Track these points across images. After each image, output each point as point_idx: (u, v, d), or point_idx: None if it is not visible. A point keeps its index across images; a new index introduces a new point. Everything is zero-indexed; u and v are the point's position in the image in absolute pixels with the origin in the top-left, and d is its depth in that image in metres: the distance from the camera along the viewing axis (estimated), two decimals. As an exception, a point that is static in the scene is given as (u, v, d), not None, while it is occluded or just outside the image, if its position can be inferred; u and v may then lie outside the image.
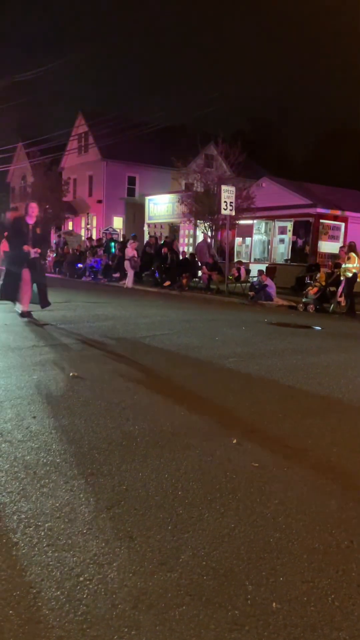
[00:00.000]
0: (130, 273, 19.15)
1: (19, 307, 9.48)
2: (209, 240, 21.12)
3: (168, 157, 28.10)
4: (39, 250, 9.33)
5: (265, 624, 2.01)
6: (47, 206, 36.33)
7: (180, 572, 2.31)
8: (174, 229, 26.71)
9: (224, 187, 17.19)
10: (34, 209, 9.62)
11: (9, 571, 2.25)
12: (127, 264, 19.28)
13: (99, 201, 37.33)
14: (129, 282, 19.12)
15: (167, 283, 18.86)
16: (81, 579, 2.23)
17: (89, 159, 38.09)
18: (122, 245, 22.14)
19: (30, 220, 9.46)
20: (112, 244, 26.03)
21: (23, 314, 9.32)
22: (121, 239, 29.53)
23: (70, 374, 5.50)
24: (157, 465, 3.38)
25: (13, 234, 9.74)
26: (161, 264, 20.05)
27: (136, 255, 19.56)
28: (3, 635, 1.90)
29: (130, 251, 19.26)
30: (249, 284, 17.32)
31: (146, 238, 26.86)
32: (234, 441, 3.85)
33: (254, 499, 3.01)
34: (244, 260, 21.32)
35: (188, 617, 2.04)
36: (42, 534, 2.55)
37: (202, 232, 21.17)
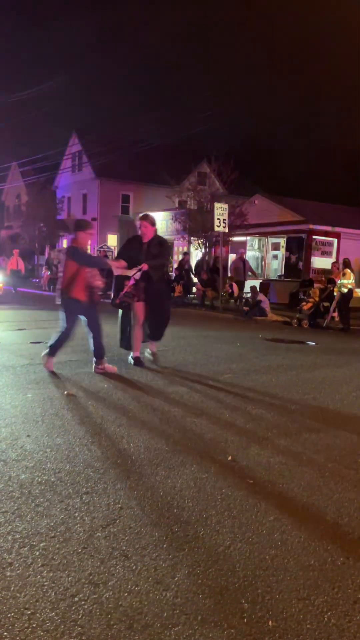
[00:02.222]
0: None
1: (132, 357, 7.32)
2: (204, 256, 21.25)
3: (161, 175, 28.35)
4: (145, 268, 6.88)
5: (262, 643, 2.00)
6: (42, 225, 36.52)
7: (175, 591, 2.30)
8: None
9: (217, 205, 17.30)
10: (146, 226, 7.15)
11: (3, 592, 2.24)
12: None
13: (93, 219, 37.49)
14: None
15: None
16: (76, 599, 2.22)
17: (83, 177, 38.36)
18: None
19: (145, 238, 7.15)
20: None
21: (137, 361, 7.22)
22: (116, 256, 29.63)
23: (65, 392, 5.49)
24: (153, 483, 3.37)
25: (122, 255, 7.29)
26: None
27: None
28: (-3, 658, 1.89)
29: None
30: (243, 300, 17.38)
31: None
32: (229, 458, 3.85)
33: (250, 516, 3.00)
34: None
35: (184, 636, 2.03)
36: (37, 553, 2.53)
37: (239, 252, 20.89)
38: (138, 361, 7.22)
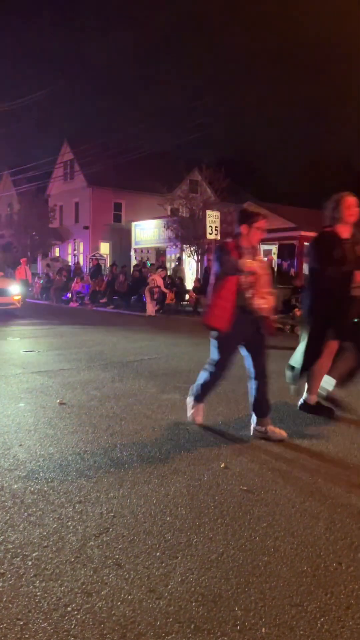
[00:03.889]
0: (151, 302, 18.12)
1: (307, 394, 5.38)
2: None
3: (153, 183, 28.46)
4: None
5: (255, 650, 2.00)
6: (34, 233, 36.49)
7: (168, 599, 2.30)
8: (160, 254, 26.90)
9: (209, 212, 17.42)
10: (352, 210, 4.91)
11: (-4, 603, 2.23)
12: (148, 291, 18.35)
13: (86, 227, 37.54)
14: (150, 310, 18.00)
15: (157, 307, 18.93)
16: (69, 609, 2.21)
17: (75, 185, 38.40)
18: (139, 270, 21.57)
19: (346, 234, 4.99)
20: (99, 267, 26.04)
21: (311, 406, 5.31)
22: (108, 264, 29.63)
23: (57, 401, 5.48)
24: (146, 491, 3.37)
25: (321, 258, 4.95)
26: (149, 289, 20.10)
27: (162, 285, 18.70)
28: (-11, 669, 1.88)
29: (158, 280, 18.53)
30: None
31: (133, 263, 27.00)
32: (222, 465, 3.85)
33: (243, 522, 3.00)
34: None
35: (177, 644, 2.02)
36: (30, 563, 2.52)
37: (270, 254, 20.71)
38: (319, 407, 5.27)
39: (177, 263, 23.33)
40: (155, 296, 18.32)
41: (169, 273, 21.81)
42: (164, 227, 24.75)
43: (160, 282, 18.66)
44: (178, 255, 24.05)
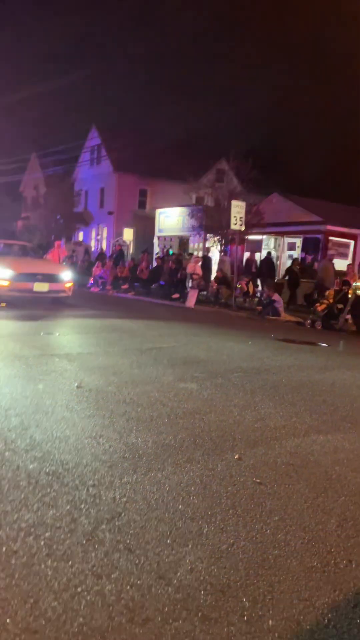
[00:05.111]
0: (192, 292, 17.54)
1: None
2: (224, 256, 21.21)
3: (179, 171, 28.32)
4: None
5: (261, 641, 2.02)
6: (59, 217, 36.68)
7: (177, 586, 2.32)
8: (183, 242, 26.85)
9: (234, 202, 17.25)
10: None
11: (7, 580, 2.27)
12: (189, 281, 18.00)
13: (110, 213, 37.58)
14: (190, 301, 17.30)
15: (176, 295, 18.92)
16: (79, 589, 2.24)
17: (101, 171, 38.44)
18: (177, 259, 21.35)
19: None
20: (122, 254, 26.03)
21: None
22: (131, 251, 29.67)
23: (75, 385, 5.53)
24: (159, 479, 3.39)
25: None
26: (171, 277, 20.10)
27: (200, 273, 18.38)
28: (-1, 644, 1.92)
29: (194, 267, 18.21)
30: (256, 299, 17.34)
31: (156, 250, 27.01)
32: (236, 457, 3.85)
33: (254, 515, 3.01)
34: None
35: (184, 632, 2.04)
36: (42, 543, 2.56)
37: (294, 255, 20.57)
38: None
39: (222, 253, 22.96)
40: (198, 285, 18.06)
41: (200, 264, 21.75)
42: (189, 215, 24.64)
43: (200, 271, 18.47)
44: (210, 245, 23.85)
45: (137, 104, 72.55)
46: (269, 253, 22.08)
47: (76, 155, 40.18)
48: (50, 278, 13.21)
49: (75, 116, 72.60)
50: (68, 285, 13.69)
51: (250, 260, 21.10)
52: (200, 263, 19.08)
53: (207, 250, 22.69)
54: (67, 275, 13.86)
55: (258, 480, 3.47)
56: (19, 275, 12.64)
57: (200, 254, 22.55)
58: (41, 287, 12.80)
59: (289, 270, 19.10)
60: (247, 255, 21.84)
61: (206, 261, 20.67)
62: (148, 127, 36.63)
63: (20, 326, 9.88)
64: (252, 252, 22.29)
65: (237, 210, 16.94)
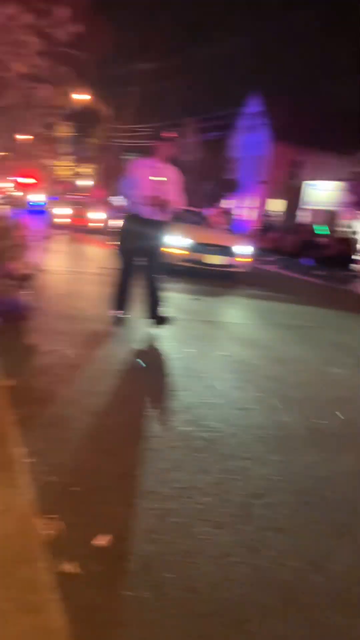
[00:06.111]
0: None
1: None
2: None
3: (335, 143, 27.03)
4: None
5: None
6: (211, 183, 36.92)
7: (328, 576, 2.27)
8: (330, 217, 25.77)
9: None
10: None
11: (165, 536, 2.36)
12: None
13: (263, 182, 37.04)
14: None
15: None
16: (233, 559, 2.28)
17: (258, 139, 37.85)
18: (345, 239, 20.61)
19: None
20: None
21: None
22: (281, 223, 29.08)
23: (221, 354, 5.56)
24: (311, 462, 3.31)
25: None
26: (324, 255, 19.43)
27: None
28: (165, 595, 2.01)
29: None
30: None
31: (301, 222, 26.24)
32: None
33: None
34: None
35: (339, 626, 2.00)
36: (198, 507, 2.63)
37: None
38: None
39: None
40: None
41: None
42: (350, 190, 23.54)
43: None
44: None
45: (300, 73, 69.93)
46: None
47: (233, 122, 39.88)
48: (227, 251, 11.81)
49: (236, 82, 71.75)
50: (244, 260, 12.31)
51: None
52: None
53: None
54: (244, 249, 12.35)
55: None
56: (199, 246, 11.44)
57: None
58: (216, 259, 11.59)
59: None
60: None
61: None
62: (309, 98, 35.18)
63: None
64: None
65: None
